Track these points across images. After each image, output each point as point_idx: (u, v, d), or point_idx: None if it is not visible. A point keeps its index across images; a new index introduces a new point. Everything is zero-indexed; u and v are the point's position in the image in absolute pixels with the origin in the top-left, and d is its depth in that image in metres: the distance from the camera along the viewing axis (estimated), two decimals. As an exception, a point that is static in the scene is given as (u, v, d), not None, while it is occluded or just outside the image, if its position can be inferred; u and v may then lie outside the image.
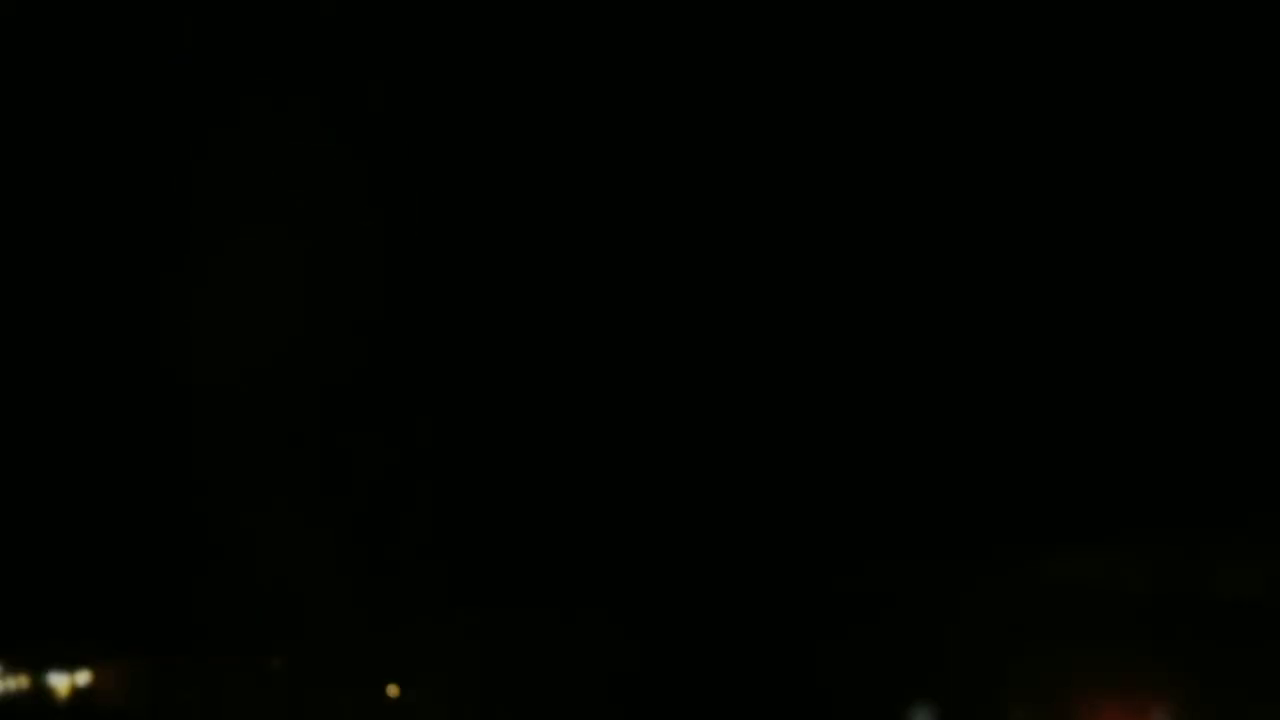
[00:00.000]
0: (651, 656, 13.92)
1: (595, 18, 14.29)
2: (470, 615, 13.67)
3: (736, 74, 14.53)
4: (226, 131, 14.15)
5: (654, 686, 13.84)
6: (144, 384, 13.90)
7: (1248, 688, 13.05)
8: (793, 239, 14.03)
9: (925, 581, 13.56)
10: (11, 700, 13.20)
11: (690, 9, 14.43)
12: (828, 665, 13.50)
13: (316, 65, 14.40)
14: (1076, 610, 13.44)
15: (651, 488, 14.22)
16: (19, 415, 13.91)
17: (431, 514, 13.85)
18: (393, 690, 13.59)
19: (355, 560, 13.53)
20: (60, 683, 13.31)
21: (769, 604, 13.81)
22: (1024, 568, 13.45)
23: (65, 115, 14.32)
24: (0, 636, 13.10)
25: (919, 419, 13.59)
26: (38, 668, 13.35)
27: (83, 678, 13.40)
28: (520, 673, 13.76)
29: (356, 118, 14.63)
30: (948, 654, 13.50)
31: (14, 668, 13.29)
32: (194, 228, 14.10)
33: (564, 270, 14.59)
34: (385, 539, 13.61)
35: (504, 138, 14.81)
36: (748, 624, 13.67)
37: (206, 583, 13.27)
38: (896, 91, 14.51)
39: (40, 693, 13.27)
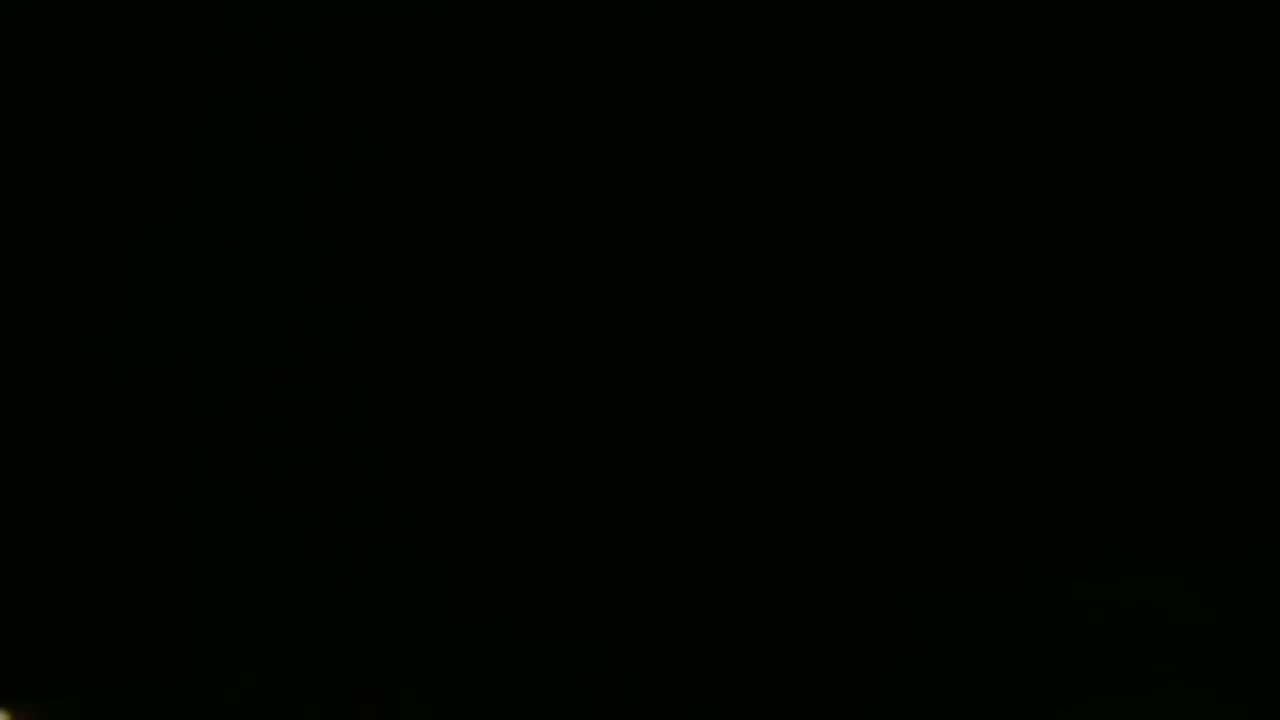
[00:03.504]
0: (657, 684, 13.03)
1: (592, 16, 13.71)
2: (452, 633, 12.65)
3: (736, 74, 14.05)
4: (213, 126, 13.33)
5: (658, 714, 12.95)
6: (90, 387, 12.76)
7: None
8: (809, 257, 13.37)
9: (956, 613, 12.89)
10: None
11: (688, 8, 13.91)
12: (858, 702, 12.78)
13: (308, 59, 13.69)
14: (1135, 639, 12.78)
15: (663, 509, 13.45)
16: None
17: (408, 526, 12.88)
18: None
19: (326, 576, 12.51)
20: None
21: (795, 640, 13.03)
22: (1074, 594, 12.77)
23: (52, 109, 13.41)
24: None
25: (946, 429, 13.08)
26: None
27: None
28: (506, 693, 12.80)
29: (349, 115, 13.96)
30: (995, 687, 12.83)
31: None
32: (171, 233, 13.17)
33: (553, 281, 13.91)
34: (358, 553, 12.60)
35: (501, 133, 14.19)
36: (775, 660, 12.89)
37: (156, 606, 12.09)
38: (896, 92, 14.12)
39: None
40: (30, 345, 12.55)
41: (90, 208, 12.95)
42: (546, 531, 13.18)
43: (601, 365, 13.10)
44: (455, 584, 13.29)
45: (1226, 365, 12.90)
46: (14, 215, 13.20)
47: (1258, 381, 12.73)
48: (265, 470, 12.92)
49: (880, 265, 13.60)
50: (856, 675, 12.66)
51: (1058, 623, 12.63)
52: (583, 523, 13.20)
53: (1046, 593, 12.70)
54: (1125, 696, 12.45)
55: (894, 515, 12.96)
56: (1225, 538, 12.73)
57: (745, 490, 13.39)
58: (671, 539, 13.46)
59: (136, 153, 13.20)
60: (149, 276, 12.45)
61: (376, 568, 12.92)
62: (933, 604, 12.64)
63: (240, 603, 12.27)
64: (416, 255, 13.24)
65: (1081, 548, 12.74)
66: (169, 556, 12.37)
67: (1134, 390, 12.97)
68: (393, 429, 13.31)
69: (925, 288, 13.30)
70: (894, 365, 13.25)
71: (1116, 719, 12.37)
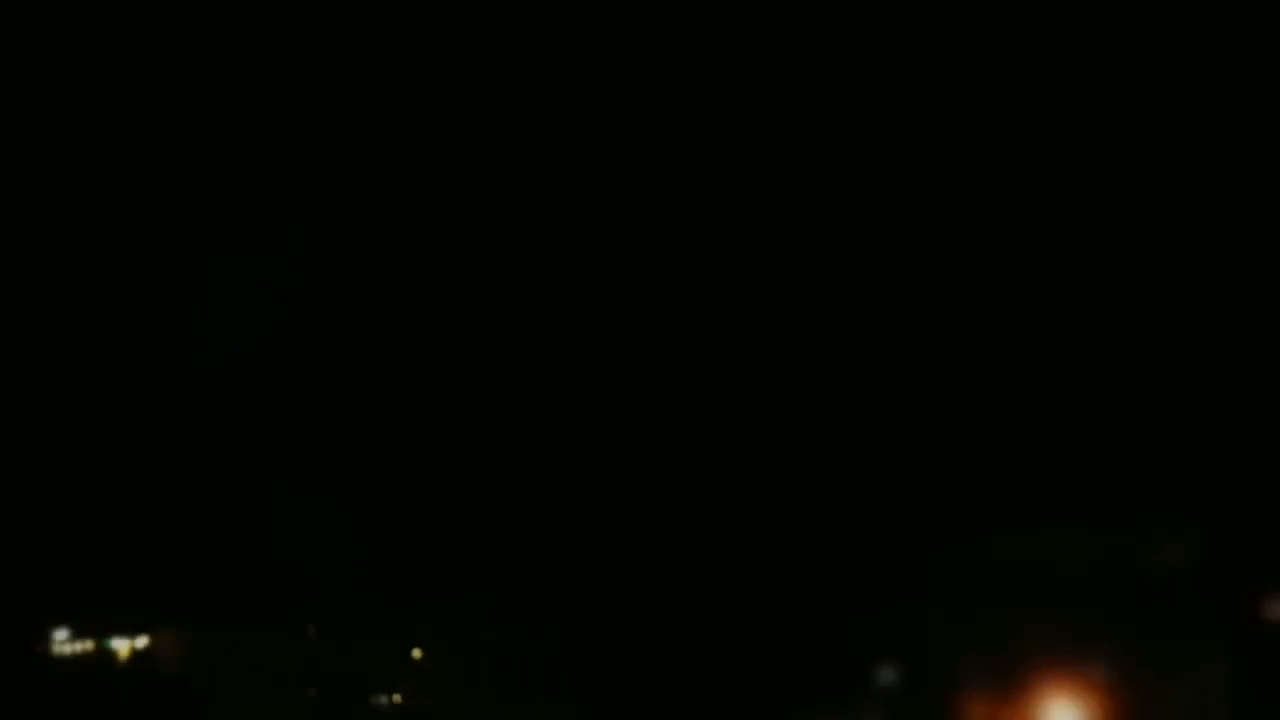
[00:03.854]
0: (638, 634, 14.82)
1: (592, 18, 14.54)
2: (482, 593, 14.75)
3: (733, 74, 14.75)
4: (224, 126, 14.53)
5: (640, 659, 14.76)
6: (187, 373, 14.54)
7: (1169, 647, 14.35)
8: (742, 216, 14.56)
9: (892, 559, 14.85)
10: (79, 661, 14.63)
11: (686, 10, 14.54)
12: (806, 634, 14.71)
13: (309, 61, 14.74)
14: (1024, 582, 14.81)
15: (636, 472, 14.89)
16: (71, 404, 14.62)
17: (449, 503, 14.77)
18: (417, 653, 14.92)
19: (382, 545, 14.58)
20: (121, 646, 14.76)
21: (749, 584, 14.81)
22: (979, 546, 14.78)
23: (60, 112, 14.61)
24: (69, 606, 14.46)
25: (894, 418, 14.49)
26: (101, 634, 14.80)
27: (141, 642, 14.85)
28: (528, 642, 14.91)
29: (354, 114, 14.97)
30: (911, 622, 14.81)
31: (81, 634, 14.71)
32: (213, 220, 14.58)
33: (563, 261, 14.85)
34: (407, 526, 14.59)
35: (502, 134, 15.18)
36: (730, 601, 14.64)
37: (251, 561, 14.47)
38: (889, 91, 14.72)
39: (104, 655, 14.71)
40: (122, 344, 14.34)
41: (138, 227, 14.26)
42: (552, 508, 14.93)
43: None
44: (483, 552, 15.21)
45: (1105, 345, 14.01)
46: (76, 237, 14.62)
47: (1132, 358, 13.86)
48: (333, 460, 14.90)
49: (802, 237, 14.53)
50: (782, 611, 14.36)
51: (953, 569, 14.50)
52: (562, 497, 14.81)
53: (943, 544, 14.49)
54: (1007, 629, 14.16)
55: (819, 479, 14.36)
56: (1101, 503, 14.32)
57: (690, 454, 14.85)
58: (628, 509, 15.05)
59: (173, 179, 14.50)
60: (235, 287, 14.12)
61: (420, 538, 14.95)
62: (851, 553, 14.27)
63: (314, 567, 14.43)
64: (429, 254, 14.47)
65: (988, 508, 14.26)
66: (267, 535, 14.44)
67: (1025, 369, 14.14)
68: (436, 426, 15.19)
69: (842, 276, 14.24)
70: (813, 345, 14.47)
71: (1011, 642, 14.13)
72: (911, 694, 14.59)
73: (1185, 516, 14.39)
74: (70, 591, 14.44)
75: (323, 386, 14.85)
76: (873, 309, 14.60)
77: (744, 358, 14.68)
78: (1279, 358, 14.20)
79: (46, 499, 14.45)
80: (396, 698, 14.97)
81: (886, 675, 14.60)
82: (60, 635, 14.54)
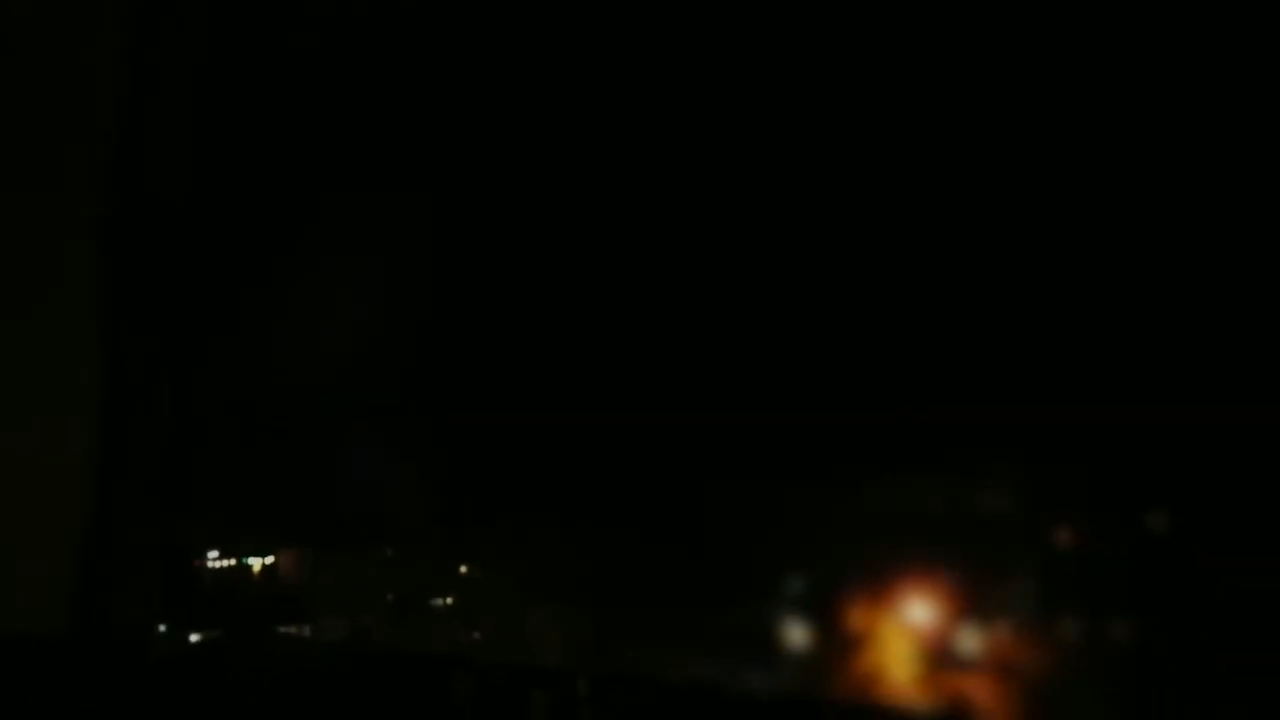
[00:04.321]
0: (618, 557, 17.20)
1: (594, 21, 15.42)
2: (506, 526, 16.46)
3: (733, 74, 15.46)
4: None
5: (617, 575, 17.21)
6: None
7: (996, 563, 16.44)
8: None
9: (799, 507, 17.52)
10: (225, 573, 19.39)
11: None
12: (738, 557, 18.02)
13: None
14: (893, 520, 17.89)
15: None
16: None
17: (486, 467, 15.88)
18: (463, 569, 19.15)
19: (439, 492, 15.66)
20: (255, 563, 19.09)
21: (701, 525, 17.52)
22: (860, 496, 17.31)
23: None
24: (219, 534, 18.86)
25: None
26: (241, 554, 18.78)
27: (269, 560, 18.76)
28: (538, 560, 17.73)
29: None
30: (813, 549, 17.82)
31: (226, 554, 19.00)
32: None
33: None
34: (458, 482, 15.56)
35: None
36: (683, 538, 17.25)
37: (348, 503, 16.88)
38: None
39: (242, 569, 19.22)
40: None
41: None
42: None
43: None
44: (506, 500, 18.48)
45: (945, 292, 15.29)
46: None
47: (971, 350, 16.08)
48: (404, 429, 18.40)
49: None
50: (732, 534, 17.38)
51: (843, 513, 17.69)
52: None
53: (836, 496, 17.52)
54: (882, 552, 17.71)
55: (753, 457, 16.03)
56: (945, 460, 17.36)
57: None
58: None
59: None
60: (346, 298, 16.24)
61: (466, 491, 18.36)
62: (771, 503, 17.41)
63: (391, 505, 18.13)
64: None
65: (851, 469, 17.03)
66: (357, 485, 17.91)
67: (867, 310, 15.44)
68: (470, 407, 18.20)
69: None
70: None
71: (884, 563, 17.89)
72: (814, 596, 17.56)
73: (1008, 474, 17.02)
74: (221, 524, 18.34)
75: (410, 377, 17.04)
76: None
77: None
78: (1101, 347, 16.38)
79: (210, 465, 17.98)
80: (448, 600, 18.40)
81: (795, 584, 17.83)
82: (212, 554, 18.66)
